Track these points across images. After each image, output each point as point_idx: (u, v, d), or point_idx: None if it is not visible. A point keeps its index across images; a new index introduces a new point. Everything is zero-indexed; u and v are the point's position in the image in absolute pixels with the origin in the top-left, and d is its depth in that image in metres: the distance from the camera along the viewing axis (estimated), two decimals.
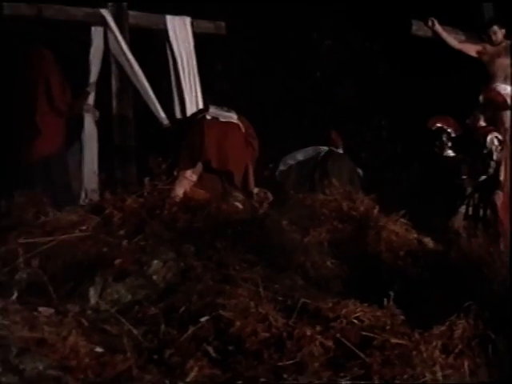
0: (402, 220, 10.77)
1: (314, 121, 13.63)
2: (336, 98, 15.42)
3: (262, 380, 7.78)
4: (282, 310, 8.64)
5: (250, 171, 12.13)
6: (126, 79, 12.82)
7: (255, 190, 11.94)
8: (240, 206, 10.79)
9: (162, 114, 12.74)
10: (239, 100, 13.78)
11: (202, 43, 13.37)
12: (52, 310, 8.56)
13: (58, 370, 7.69)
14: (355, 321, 8.42)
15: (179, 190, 11.32)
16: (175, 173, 11.62)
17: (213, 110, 12.17)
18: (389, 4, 14.76)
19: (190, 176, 11.77)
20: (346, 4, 15.27)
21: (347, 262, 9.86)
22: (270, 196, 11.59)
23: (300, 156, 12.76)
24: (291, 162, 12.74)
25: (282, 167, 12.80)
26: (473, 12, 13.76)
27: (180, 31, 13.07)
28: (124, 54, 12.68)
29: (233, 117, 12.25)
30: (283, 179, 12.76)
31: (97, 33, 12.81)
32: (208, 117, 12.18)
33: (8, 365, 7.66)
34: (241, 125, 12.20)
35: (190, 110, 12.89)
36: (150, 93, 12.65)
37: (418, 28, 13.55)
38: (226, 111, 12.13)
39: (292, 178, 12.54)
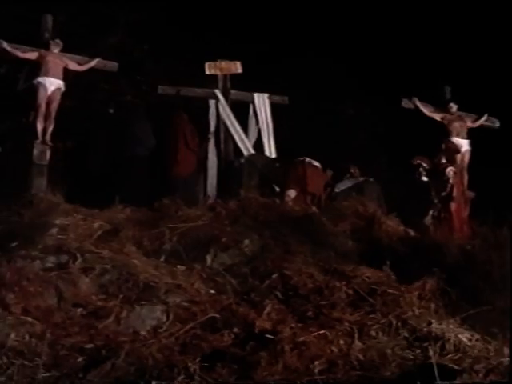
0: (395, 218, 10.68)
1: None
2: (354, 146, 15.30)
3: (309, 313, 7.78)
4: (321, 271, 8.62)
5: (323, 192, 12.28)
6: (228, 131, 12.84)
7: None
8: (298, 208, 10.77)
9: (248, 153, 12.74)
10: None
11: (274, 109, 13.34)
12: (184, 267, 8.61)
13: (188, 303, 7.74)
14: (366, 278, 8.38)
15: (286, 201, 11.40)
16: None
17: (307, 159, 12.31)
18: (387, 89, 14.68)
19: (291, 194, 11.81)
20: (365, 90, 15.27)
21: (361, 243, 9.79)
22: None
23: (348, 183, 12.71)
24: (342, 187, 12.66)
25: (336, 190, 12.74)
26: (438, 93, 13.63)
27: (262, 102, 13.10)
28: (228, 116, 12.72)
29: (317, 163, 12.39)
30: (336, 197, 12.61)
31: (212, 103, 12.86)
32: (306, 161, 12.31)
33: (158, 299, 7.72)
34: (320, 167, 12.29)
35: (268, 151, 12.89)
36: (244, 140, 12.67)
37: (405, 103, 13.47)
38: (314, 160, 12.25)
39: (340, 195, 12.38)
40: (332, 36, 15.70)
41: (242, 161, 12.42)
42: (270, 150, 13.01)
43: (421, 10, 15.69)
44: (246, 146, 12.82)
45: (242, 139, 12.84)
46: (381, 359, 6.88)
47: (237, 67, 13.18)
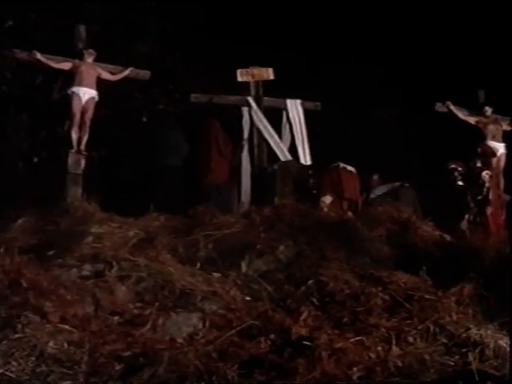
0: (430, 223, 10.61)
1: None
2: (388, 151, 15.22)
3: (345, 320, 7.75)
4: (357, 277, 8.60)
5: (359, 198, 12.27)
6: (262, 137, 12.84)
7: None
8: (333, 214, 10.74)
9: (284, 158, 12.71)
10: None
11: (307, 114, 13.32)
12: (220, 274, 8.62)
13: (224, 310, 7.75)
14: (402, 284, 8.33)
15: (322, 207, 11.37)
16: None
17: (341, 164, 12.30)
18: (420, 93, 14.60)
19: (327, 200, 11.79)
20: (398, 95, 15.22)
21: (396, 248, 9.73)
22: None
23: (384, 188, 12.66)
24: (378, 192, 12.62)
25: (372, 195, 12.68)
26: (473, 97, 13.54)
27: (295, 108, 13.10)
28: (262, 122, 12.71)
29: (352, 168, 12.38)
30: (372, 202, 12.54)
31: (245, 110, 12.87)
32: (341, 166, 12.30)
33: (194, 306, 7.74)
34: (355, 172, 12.28)
35: (302, 157, 12.87)
36: (280, 145, 12.64)
37: (439, 107, 13.39)
38: (348, 165, 12.25)
39: (376, 201, 12.31)
40: (364, 41, 15.67)
41: (276, 167, 12.41)
42: (305, 157, 12.96)
43: (454, 14, 15.60)
44: (283, 151, 12.80)
45: (277, 144, 12.84)
46: (419, 365, 6.84)
47: (269, 74, 13.19)
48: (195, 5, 14.87)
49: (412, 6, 15.79)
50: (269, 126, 12.90)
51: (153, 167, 11.73)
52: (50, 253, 8.37)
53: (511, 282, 8.06)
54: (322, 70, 15.39)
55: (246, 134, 12.76)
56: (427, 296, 8.04)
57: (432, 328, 7.47)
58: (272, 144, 12.80)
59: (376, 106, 16.16)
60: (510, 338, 7.17)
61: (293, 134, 13.07)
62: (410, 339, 7.30)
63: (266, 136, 12.82)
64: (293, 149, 13.04)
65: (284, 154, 12.78)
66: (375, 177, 13.06)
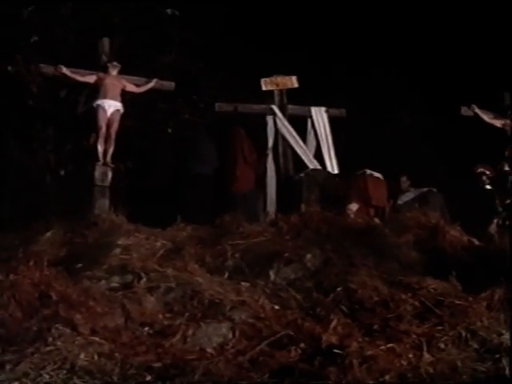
0: (458, 228, 10.55)
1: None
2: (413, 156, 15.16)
3: (376, 327, 7.71)
4: (386, 283, 8.56)
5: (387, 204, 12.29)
6: (287, 145, 12.85)
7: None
8: (360, 220, 10.72)
9: (312, 165, 12.73)
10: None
11: (332, 121, 13.31)
12: (248, 283, 8.62)
13: (253, 319, 7.74)
14: (431, 290, 8.28)
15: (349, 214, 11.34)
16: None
17: (368, 171, 12.30)
18: (445, 97, 14.53)
19: (353, 207, 11.77)
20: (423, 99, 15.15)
21: (425, 254, 9.69)
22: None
23: (411, 194, 12.62)
24: (405, 198, 12.58)
25: (399, 202, 12.64)
26: (498, 99, 13.45)
27: (319, 116, 13.09)
28: (288, 130, 12.75)
29: (379, 174, 12.35)
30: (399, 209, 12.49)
31: (270, 118, 12.90)
32: (367, 173, 12.27)
33: (224, 316, 7.74)
34: (382, 178, 12.25)
35: (330, 165, 12.84)
36: (308, 153, 12.66)
37: (464, 111, 13.33)
38: (375, 172, 12.23)
39: (404, 207, 12.27)
40: (388, 45, 15.62)
41: (302, 175, 12.42)
42: (332, 165, 12.96)
43: (479, 16, 15.51)
44: (310, 159, 12.81)
45: (304, 152, 12.86)
46: (451, 372, 6.78)
47: (293, 82, 13.22)
48: (218, 13, 14.91)
49: (435, 10, 15.73)
50: (295, 134, 12.93)
51: (182, 177, 11.78)
52: (79, 265, 8.45)
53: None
54: (345, 75, 15.35)
55: (270, 143, 12.80)
56: (457, 301, 7.97)
57: (463, 334, 7.40)
58: (299, 152, 12.84)
59: (401, 110, 16.11)
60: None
61: (318, 142, 13.06)
62: (442, 345, 7.24)
63: (293, 144, 12.86)
64: (318, 156, 13.05)
65: (312, 162, 12.77)
66: (403, 178, 13.03)
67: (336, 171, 12.88)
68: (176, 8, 14.75)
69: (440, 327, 7.54)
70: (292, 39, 15.27)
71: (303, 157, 12.79)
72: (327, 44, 15.56)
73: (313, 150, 13.05)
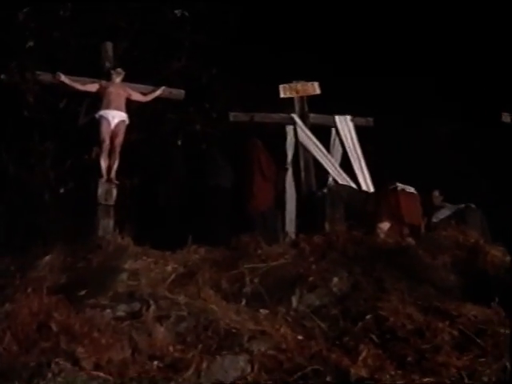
0: (500, 248, 10.51)
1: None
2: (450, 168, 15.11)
3: (410, 358, 7.67)
4: (420, 310, 8.54)
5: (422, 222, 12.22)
6: (309, 157, 12.81)
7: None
8: (391, 240, 10.68)
9: (341, 179, 12.64)
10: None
11: (359, 131, 13.29)
12: (268, 311, 8.60)
13: (274, 350, 7.72)
14: (472, 317, 8.27)
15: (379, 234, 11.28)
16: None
17: (400, 185, 12.25)
18: (484, 103, 14.52)
19: (385, 226, 11.73)
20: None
21: (464, 277, 9.65)
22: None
23: (447, 211, 12.58)
24: (441, 216, 12.54)
25: (434, 219, 12.59)
26: None
27: (345, 125, 13.05)
28: (311, 141, 12.69)
29: (412, 189, 12.30)
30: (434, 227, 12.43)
31: (290, 129, 12.88)
32: (399, 188, 12.23)
33: (241, 347, 7.72)
34: (416, 193, 12.22)
35: (363, 182, 12.74)
36: (334, 164, 12.59)
37: (505, 117, 13.29)
38: (408, 186, 12.19)
39: (439, 225, 12.24)
40: (418, 49, 15.62)
41: (325, 191, 12.38)
42: (365, 179, 12.87)
43: None
44: (339, 172, 12.75)
45: (333, 165, 12.79)
46: None
47: (314, 88, 13.21)
48: (231, 14, 14.98)
49: (472, 12, 15.73)
50: (319, 144, 12.87)
51: (195, 192, 11.77)
52: (82, 292, 8.45)
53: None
54: (373, 81, 15.35)
55: (289, 157, 12.76)
56: (501, 330, 7.95)
57: (509, 366, 7.36)
58: (325, 165, 12.76)
59: (434, 119, 16.08)
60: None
61: (344, 153, 13.01)
62: (485, 379, 7.21)
63: (317, 156, 12.79)
64: (345, 170, 13.02)
65: (340, 175, 12.71)
66: (436, 193, 13.01)
67: (371, 186, 12.78)
68: (185, 9, 14.83)
69: (482, 359, 7.51)
70: (313, 41, 15.28)
71: (330, 170, 12.73)
72: (352, 47, 15.57)
73: (338, 162, 13.01)
